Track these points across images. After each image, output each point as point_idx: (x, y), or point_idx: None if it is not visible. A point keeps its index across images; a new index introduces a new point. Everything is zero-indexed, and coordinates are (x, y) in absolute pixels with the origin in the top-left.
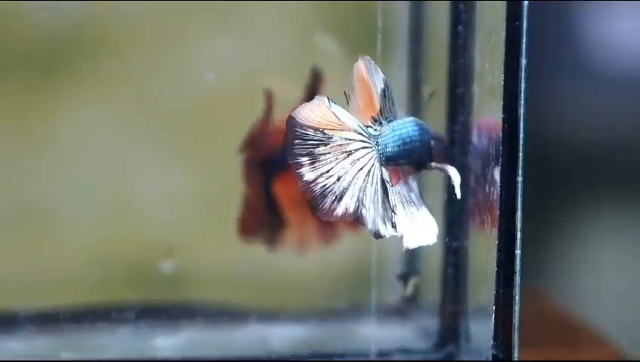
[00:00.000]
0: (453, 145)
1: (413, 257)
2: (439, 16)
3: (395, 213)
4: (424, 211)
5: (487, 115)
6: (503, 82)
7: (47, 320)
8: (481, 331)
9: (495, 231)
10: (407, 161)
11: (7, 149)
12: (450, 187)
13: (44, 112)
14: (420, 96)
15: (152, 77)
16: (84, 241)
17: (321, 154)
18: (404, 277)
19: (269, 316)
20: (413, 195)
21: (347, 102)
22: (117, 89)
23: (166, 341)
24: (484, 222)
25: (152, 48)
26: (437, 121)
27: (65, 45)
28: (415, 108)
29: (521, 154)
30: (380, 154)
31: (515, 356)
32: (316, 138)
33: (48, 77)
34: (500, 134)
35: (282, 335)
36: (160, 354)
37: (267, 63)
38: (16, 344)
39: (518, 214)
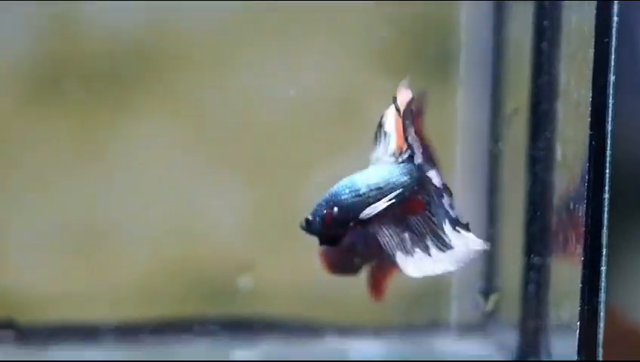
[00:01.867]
0: (536, 162)
1: (493, 273)
2: (523, 33)
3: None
4: None
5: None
6: (589, 98)
7: (127, 332)
8: (562, 347)
9: (580, 249)
10: None
11: (78, 165)
12: (530, 203)
13: (110, 128)
14: (502, 112)
15: (218, 91)
16: (162, 257)
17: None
18: (485, 293)
19: (348, 331)
20: None
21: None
22: (184, 103)
23: (244, 354)
24: (569, 240)
25: (221, 61)
26: (519, 138)
27: (130, 59)
28: (497, 124)
29: (607, 171)
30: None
31: None
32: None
33: (114, 93)
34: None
35: (361, 351)
36: None
37: (345, 79)
38: (96, 356)
39: (604, 231)
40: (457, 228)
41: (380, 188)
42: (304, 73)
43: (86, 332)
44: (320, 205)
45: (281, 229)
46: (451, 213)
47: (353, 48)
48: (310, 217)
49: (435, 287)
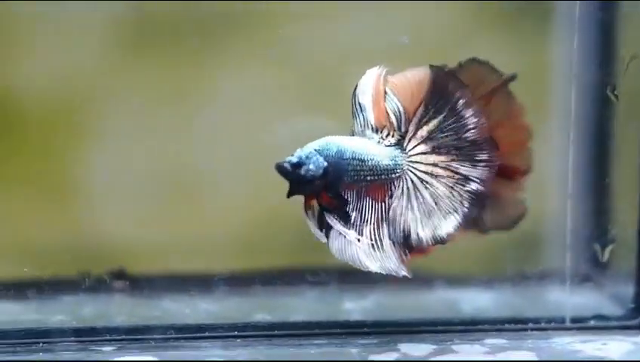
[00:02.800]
0: None
1: (608, 223)
2: None
3: None
4: None
5: None
6: None
7: (239, 283)
8: None
9: None
10: None
11: (175, 116)
12: None
13: (202, 78)
14: (617, 60)
15: (315, 40)
16: (272, 208)
17: None
18: (600, 244)
19: (459, 280)
20: None
21: None
22: (285, 52)
23: (354, 305)
24: None
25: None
26: (636, 84)
27: (226, 12)
28: (611, 72)
29: None
30: None
31: None
32: None
33: (210, 42)
34: None
35: (472, 301)
36: (350, 316)
37: (450, 30)
38: (211, 305)
39: None
40: (400, 243)
41: (362, 161)
42: (408, 25)
43: (198, 283)
44: (309, 153)
45: None
46: (419, 228)
47: None
48: (298, 160)
49: (548, 237)
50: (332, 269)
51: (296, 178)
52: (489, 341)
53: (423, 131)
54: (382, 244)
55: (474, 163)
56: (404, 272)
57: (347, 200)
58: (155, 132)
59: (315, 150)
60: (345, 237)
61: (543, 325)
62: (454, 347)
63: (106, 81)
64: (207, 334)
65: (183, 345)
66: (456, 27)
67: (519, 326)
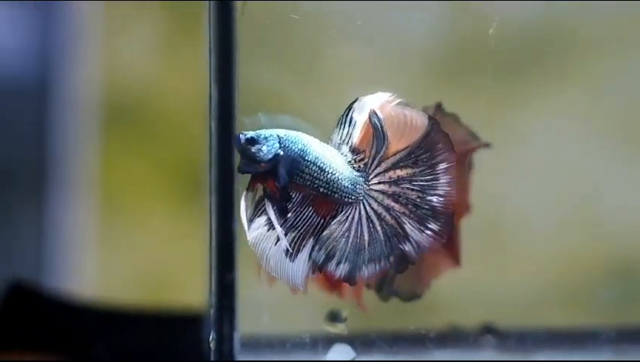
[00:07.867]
0: None
1: None
2: None
3: None
4: None
5: None
6: None
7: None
8: None
9: None
10: None
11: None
12: None
13: (508, 112)
14: None
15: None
16: (586, 253)
17: None
18: None
19: None
20: None
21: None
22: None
23: None
24: None
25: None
26: None
27: (527, 46)
28: None
29: None
30: None
31: None
32: None
33: (515, 77)
34: None
35: None
36: None
37: None
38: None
39: None
40: (317, 264)
41: (321, 170)
42: None
43: (577, 338)
44: (270, 136)
45: None
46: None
47: None
48: (255, 136)
49: None
50: None
51: (245, 154)
52: None
53: (394, 174)
54: (296, 256)
55: (422, 227)
56: (302, 289)
57: (291, 197)
58: None
59: (279, 136)
60: (267, 231)
61: None
62: None
63: None
64: None
65: None
66: None
67: None
